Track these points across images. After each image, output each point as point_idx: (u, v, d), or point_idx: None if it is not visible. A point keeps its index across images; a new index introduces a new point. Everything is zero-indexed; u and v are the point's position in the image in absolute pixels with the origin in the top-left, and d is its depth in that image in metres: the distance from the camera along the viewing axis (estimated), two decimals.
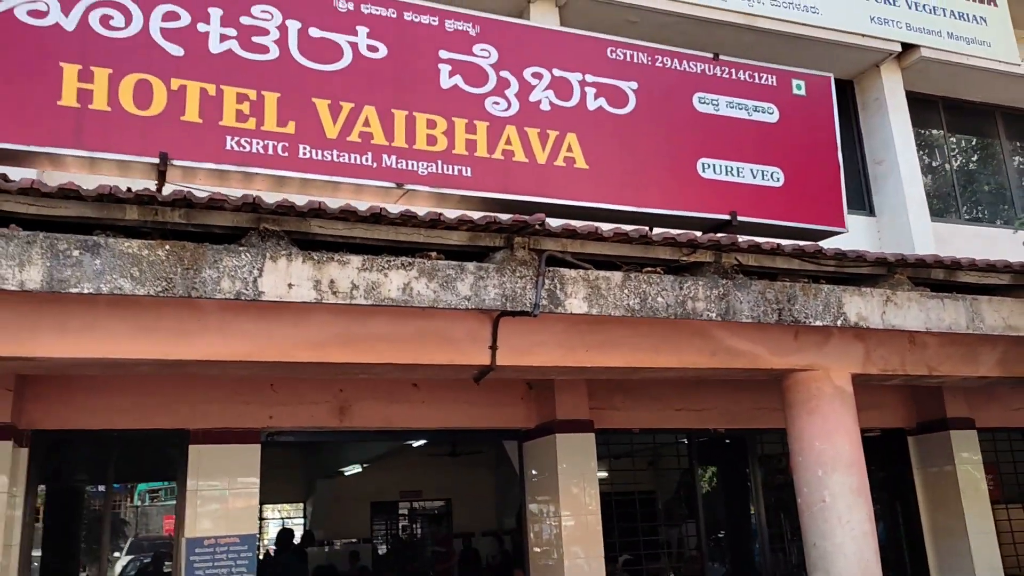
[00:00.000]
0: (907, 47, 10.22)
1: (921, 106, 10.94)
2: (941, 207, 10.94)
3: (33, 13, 4.71)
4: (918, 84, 10.67)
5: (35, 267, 3.45)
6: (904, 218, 9.89)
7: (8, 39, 4.65)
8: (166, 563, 10.75)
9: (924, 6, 10.43)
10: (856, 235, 9.63)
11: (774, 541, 8.88)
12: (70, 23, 4.78)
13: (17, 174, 4.68)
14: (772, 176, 6.51)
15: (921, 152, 10.97)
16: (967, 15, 10.68)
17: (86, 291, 3.50)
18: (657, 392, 8.02)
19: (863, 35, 9.96)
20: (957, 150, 11.74)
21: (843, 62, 10.16)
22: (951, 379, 6.20)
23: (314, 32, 5.40)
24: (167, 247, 3.66)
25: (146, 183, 5.01)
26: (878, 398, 8.69)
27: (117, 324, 4.00)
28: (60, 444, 6.87)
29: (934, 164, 11.40)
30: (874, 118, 10.41)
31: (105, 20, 4.89)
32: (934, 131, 11.35)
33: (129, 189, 3.74)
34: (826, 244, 6.50)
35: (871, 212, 10.28)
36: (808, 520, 5.41)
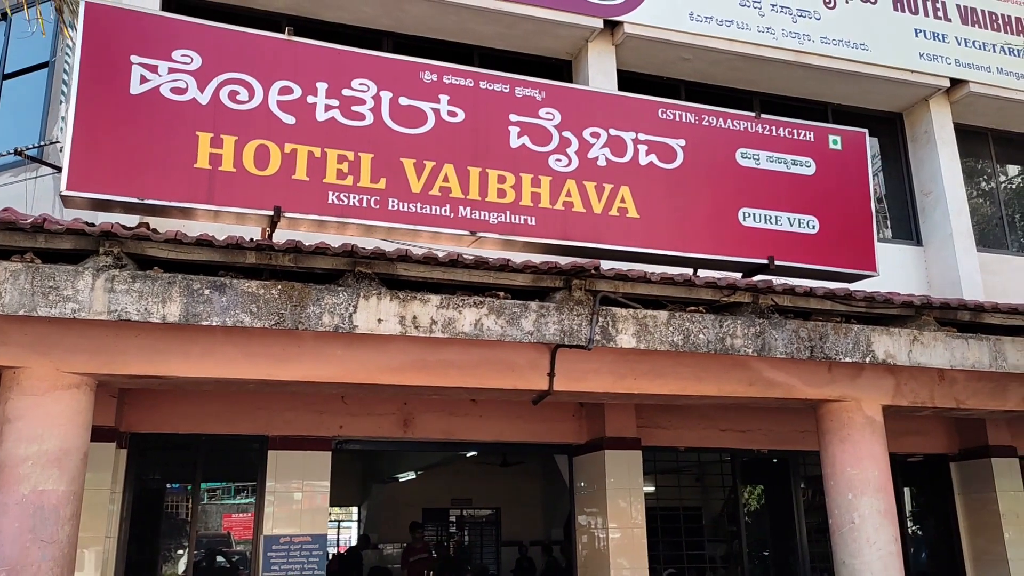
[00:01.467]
0: (956, 82, 10.43)
1: (970, 137, 11.12)
2: (990, 237, 11.10)
3: (175, 90, 5.55)
4: (967, 117, 10.88)
5: (174, 303, 4.14)
6: (950, 249, 10.05)
7: (155, 113, 5.47)
8: (218, 558, 11.36)
9: (973, 42, 10.67)
10: (903, 265, 9.91)
11: (816, 560, 9.17)
12: (204, 98, 5.60)
13: (132, 222, 5.43)
14: (808, 224, 7.03)
15: (970, 182, 11.16)
16: (1016, 50, 10.89)
17: (215, 323, 4.18)
18: (703, 413, 8.44)
19: (912, 71, 10.21)
20: (1006, 180, 11.89)
21: (892, 96, 10.46)
22: (979, 412, 6.55)
23: (403, 100, 6.14)
24: (279, 287, 4.32)
25: (254, 231, 5.76)
26: (921, 425, 8.96)
27: (230, 350, 4.69)
28: (152, 446, 7.55)
29: (985, 193, 11.57)
30: (923, 150, 10.61)
31: (233, 95, 5.70)
32: (983, 162, 11.53)
33: (251, 239, 4.43)
34: (862, 285, 6.92)
35: (918, 242, 10.47)
36: (838, 540, 5.84)
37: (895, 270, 9.62)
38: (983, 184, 11.58)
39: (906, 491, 10.09)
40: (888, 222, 10.66)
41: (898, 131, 10.81)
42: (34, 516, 4.19)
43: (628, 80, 9.11)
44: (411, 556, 12.67)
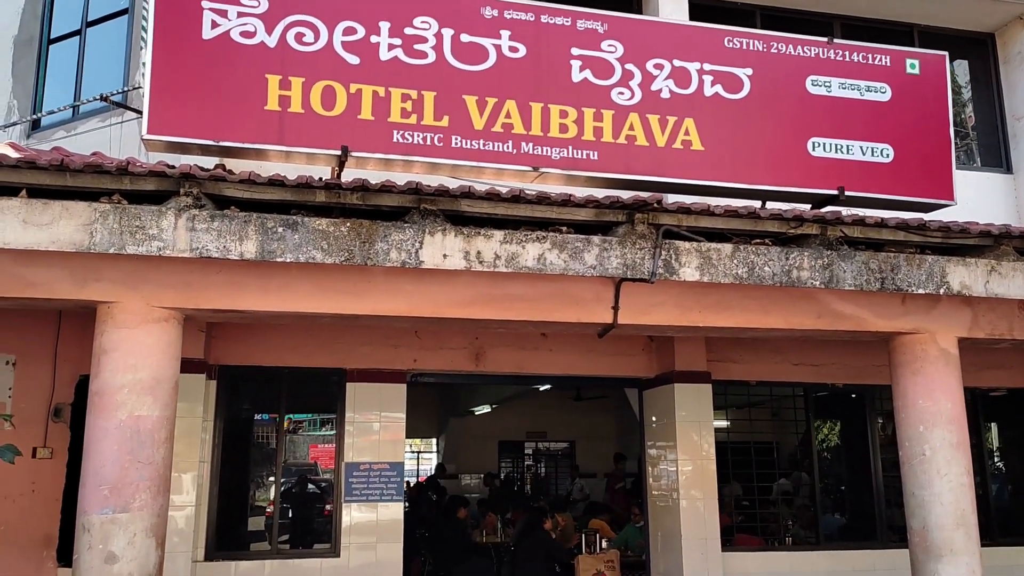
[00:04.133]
0: None
1: None
2: None
3: (244, 34, 5.72)
4: None
5: (251, 241, 4.36)
6: None
7: (227, 57, 5.66)
8: (309, 486, 11.95)
9: None
10: (992, 194, 9.50)
11: (891, 494, 9.09)
12: (272, 40, 5.75)
13: (208, 163, 5.66)
14: (882, 152, 6.78)
15: None
16: None
17: (288, 260, 4.39)
18: (774, 346, 8.38)
19: None
20: None
21: (982, 15, 9.88)
22: None
23: (464, 37, 6.16)
24: (348, 224, 4.49)
25: (324, 170, 5.91)
26: (1004, 358, 8.72)
27: (305, 285, 4.90)
28: (239, 378, 7.97)
29: None
30: (1015, 72, 10.03)
31: (299, 37, 5.83)
32: None
33: (321, 178, 4.59)
34: (940, 214, 6.69)
35: (1008, 170, 10.00)
36: (908, 471, 5.80)
37: (983, 199, 9.24)
38: None
39: (988, 426, 9.88)
40: (977, 149, 10.20)
41: (989, 53, 10.24)
42: (131, 439, 4.53)
43: (700, 9, 8.82)
44: (615, 484, 13.53)
